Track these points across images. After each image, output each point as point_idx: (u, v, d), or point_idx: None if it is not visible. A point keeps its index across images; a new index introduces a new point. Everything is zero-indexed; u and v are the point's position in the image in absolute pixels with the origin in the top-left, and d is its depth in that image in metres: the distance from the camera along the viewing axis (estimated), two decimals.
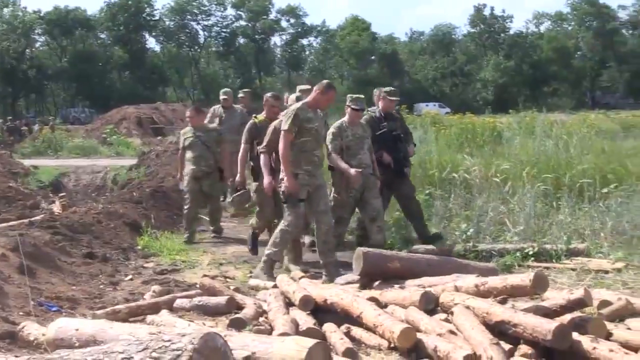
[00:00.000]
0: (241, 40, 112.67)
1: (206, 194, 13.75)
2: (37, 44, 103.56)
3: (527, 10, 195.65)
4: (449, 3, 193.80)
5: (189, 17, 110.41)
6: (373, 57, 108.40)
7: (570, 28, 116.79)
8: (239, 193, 11.43)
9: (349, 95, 11.72)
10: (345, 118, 11.48)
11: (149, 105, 52.13)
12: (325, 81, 11.19)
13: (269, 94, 12.63)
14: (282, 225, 10.48)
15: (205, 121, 15.62)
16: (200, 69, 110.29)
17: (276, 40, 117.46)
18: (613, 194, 13.13)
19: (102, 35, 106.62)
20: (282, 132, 10.34)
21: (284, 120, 10.46)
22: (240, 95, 17.05)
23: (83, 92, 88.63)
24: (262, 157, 11.17)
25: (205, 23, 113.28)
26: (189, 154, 13.59)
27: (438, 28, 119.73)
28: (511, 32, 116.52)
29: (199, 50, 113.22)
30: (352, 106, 11.34)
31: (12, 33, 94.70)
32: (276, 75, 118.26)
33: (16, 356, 5.28)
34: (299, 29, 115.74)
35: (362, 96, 11.83)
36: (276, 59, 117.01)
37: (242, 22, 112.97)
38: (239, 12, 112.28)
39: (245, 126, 13.82)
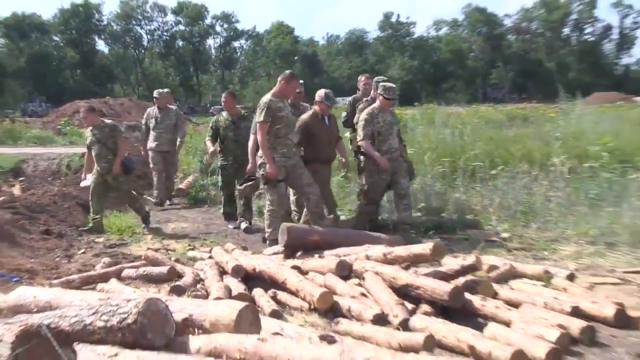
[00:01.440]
0: (180, 43, 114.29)
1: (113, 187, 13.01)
2: None
3: (429, 17, 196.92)
4: (362, 10, 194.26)
5: (133, 22, 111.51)
6: (296, 58, 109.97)
7: (464, 33, 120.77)
8: (250, 182, 11.12)
9: (381, 85, 11.17)
10: (376, 104, 10.93)
11: (99, 99, 51.84)
12: (287, 71, 10.89)
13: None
14: (267, 206, 10.37)
15: (143, 121, 16.12)
16: (144, 68, 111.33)
17: (211, 42, 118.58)
18: (500, 175, 13.58)
19: (56, 38, 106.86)
20: (258, 124, 10.22)
21: (257, 113, 10.33)
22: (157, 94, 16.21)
23: (39, 89, 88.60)
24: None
25: (148, 27, 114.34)
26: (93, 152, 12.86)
27: (352, 32, 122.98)
28: (415, 36, 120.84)
29: (143, 51, 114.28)
30: (385, 95, 10.82)
31: None
32: (211, 74, 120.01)
33: None
34: (232, 33, 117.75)
35: (394, 86, 11.42)
36: (211, 59, 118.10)
37: (181, 27, 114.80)
38: (178, 18, 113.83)
39: (179, 124, 15.06)
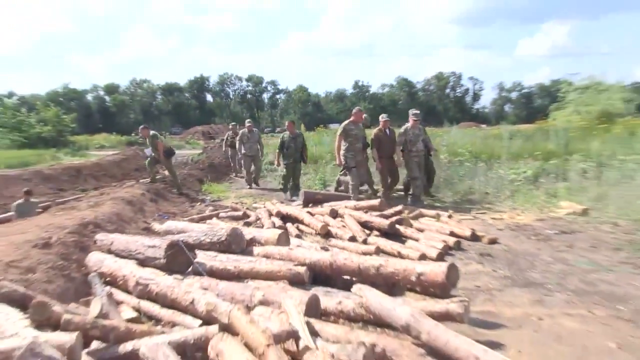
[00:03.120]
0: (249, 96, 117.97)
1: None
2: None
3: (378, 82, 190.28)
4: (343, 78, 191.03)
5: (225, 85, 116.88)
6: (309, 104, 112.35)
7: (396, 90, 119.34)
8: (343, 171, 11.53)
9: (411, 111, 11.57)
10: (409, 124, 11.28)
11: (207, 125, 55.83)
12: (356, 107, 11.90)
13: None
14: (350, 182, 10.76)
15: (237, 138, 16.19)
16: (230, 109, 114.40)
17: (265, 95, 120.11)
18: None
19: (187, 94, 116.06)
20: (337, 136, 11.03)
21: (339, 130, 11.13)
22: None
23: (178, 121, 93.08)
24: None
25: (233, 87, 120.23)
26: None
27: (338, 90, 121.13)
28: (371, 92, 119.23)
29: (230, 100, 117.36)
30: (414, 118, 11.25)
31: None
32: (264, 112, 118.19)
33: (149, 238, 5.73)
34: (276, 90, 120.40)
35: (419, 111, 11.72)
36: (265, 103, 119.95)
37: (250, 87, 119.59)
38: (248, 82, 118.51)
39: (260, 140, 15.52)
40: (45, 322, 3.30)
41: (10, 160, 21.51)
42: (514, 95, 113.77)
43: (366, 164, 11.48)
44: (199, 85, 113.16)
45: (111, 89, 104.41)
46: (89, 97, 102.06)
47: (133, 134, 46.48)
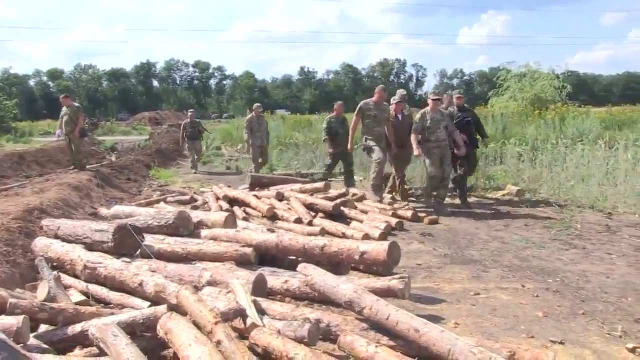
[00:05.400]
0: (195, 81, 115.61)
1: None
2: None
3: (323, 68, 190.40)
4: (290, 65, 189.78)
5: (172, 71, 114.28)
6: (256, 89, 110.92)
7: (341, 77, 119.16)
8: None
9: (430, 92, 9.85)
10: (428, 108, 9.11)
11: (154, 111, 55.68)
12: (379, 85, 10.07)
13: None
14: (373, 162, 9.33)
15: (245, 124, 13.79)
16: (177, 95, 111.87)
17: (211, 81, 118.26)
18: None
19: (133, 80, 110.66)
20: (354, 115, 9.64)
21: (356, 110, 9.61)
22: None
23: (125, 107, 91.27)
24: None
25: (180, 73, 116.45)
26: None
27: (285, 76, 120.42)
28: (317, 78, 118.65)
29: (177, 86, 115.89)
30: (432, 97, 9.21)
31: None
32: (211, 98, 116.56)
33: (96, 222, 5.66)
34: (223, 75, 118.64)
35: (437, 91, 10.34)
36: (211, 89, 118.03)
37: (197, 73, 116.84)
38: (194, 68, 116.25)
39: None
40: None
41: None
42: (455, 82, 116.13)
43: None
44: (146, 71, 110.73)
45: (55, 75, 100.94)
46: (32, 82, 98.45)
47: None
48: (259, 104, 14.12)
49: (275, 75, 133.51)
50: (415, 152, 8.98)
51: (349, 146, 9.93)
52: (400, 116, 9.71)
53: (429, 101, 9.17)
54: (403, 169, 9.95)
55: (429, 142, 8.96)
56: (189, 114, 16.60)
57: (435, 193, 9.08)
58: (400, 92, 10.06)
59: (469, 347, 3.01)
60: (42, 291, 3.67)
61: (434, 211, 8.69)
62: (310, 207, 7.83)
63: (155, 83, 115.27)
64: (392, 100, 9.91)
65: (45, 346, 3.06)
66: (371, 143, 9.44)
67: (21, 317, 2.90)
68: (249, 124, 13.42)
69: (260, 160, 13.41)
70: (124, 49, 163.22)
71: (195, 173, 14.73)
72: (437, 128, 8.95)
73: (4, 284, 4.29)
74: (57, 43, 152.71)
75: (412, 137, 8.99)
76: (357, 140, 10.36)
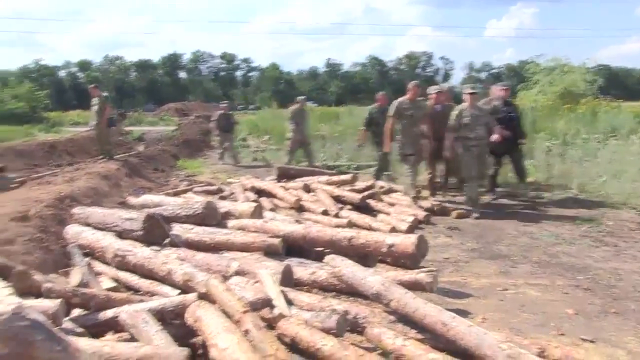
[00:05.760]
0: (222, 73, 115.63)
1: None
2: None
3: (350, 60, 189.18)
4: (316, 57, 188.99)
5: (198, 62, 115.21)
6: (282, 82, 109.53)
7: (368, 69, 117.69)
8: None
9: (466, 86, 8.98)
10: (465, 103, 8.28)
11: (181, 102, 55.56)
12: (412, 82, 9.25)
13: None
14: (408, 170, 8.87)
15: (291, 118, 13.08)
16: (203, 86, 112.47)
17: (238, 73, 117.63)
18: None
19: (160, 71, 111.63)
20: (389, 117, 8.91)
21: (391, 109, 8.93)
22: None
23: (152, 98, 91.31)
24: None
25: (205, 65, 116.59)
26: None
27: (311, 68, 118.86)
28: (342, 71, 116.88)
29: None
30: (468, 92, 8.37)
31: None
32: (237, 89, 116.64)
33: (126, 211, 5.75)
34: (248, 67, 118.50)
35: (475, 84, 9.60)
36: (238, 81, 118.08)
37: (223, 65, 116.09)
38: (222, 60, 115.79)
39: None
40: (27, 290, 3.31)
41: None
42: (483, 75, 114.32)
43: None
44: (173, 62, 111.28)
45: (84, 66, 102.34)
46: (62, 73, 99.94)
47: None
48: (303, 97, 13.68)
49: (301, 68, 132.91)
50: (448, 153, 8.35)
51: (386, 147, 9.21)
52: (440, 107, 9.04)
53: (466, 96, 8.38)
54: (437, 163, 9.35)
55: (467, 140, 8.15)
56: (223, 105, 16.54)
57: (472, 192, 8.28)
58: (439, 86, 9.56)
59: (498, 342, 3.00)
60: (75, 277, 3.75)
61: (470, 209, 8.13)
62: (337, 199, 7.80)
63: (182, 74, 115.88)
64: (430, 91, 9.47)
65: (79, 329, 3.12)
66: (408, 150, 8.78)
67: (58, 300, 2.97)
68: (293, 116, 12.99)
69: (306, 161, 12.75)
70: (152, 41, 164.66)
71: (232, 165, 14.42)
72: (477, 125, 8.16)
73: (39, 269, 4.38)
74: (86, 35, 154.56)
75: (447, 136, 8.28)
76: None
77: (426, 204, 8.20)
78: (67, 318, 3.27)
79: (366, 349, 3.36)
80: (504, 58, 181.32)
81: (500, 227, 7.34)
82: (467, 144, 8.17)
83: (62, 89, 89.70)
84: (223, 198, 8.35)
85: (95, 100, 12.63)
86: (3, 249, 4.72)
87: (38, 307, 2.63)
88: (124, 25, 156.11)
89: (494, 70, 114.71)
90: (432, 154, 9.06)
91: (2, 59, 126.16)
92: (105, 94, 13.24)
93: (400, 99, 8.93)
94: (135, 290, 4.26)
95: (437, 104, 9.11)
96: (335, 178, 8.87)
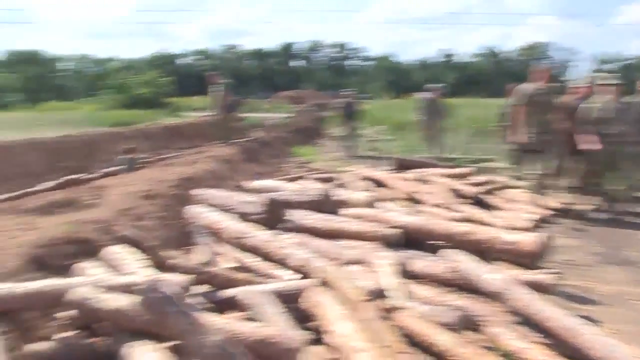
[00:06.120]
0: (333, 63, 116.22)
1: None
2: None
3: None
4: (425, 46, 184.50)
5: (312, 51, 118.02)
6: None
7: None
8: None
9: (603, 76, 7.77)
10: (607, 96, 7.26)
11: (295, 91, 56.99)
12: (540, 64, 8.12)
13: None
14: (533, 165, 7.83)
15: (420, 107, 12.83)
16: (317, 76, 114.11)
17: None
18: None
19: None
20: (517, 106, 7.80)
21: (518, 97, 7.78)
22: None
23: (267, 87, 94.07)
24: None
25: (317, 54, 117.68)
26: None
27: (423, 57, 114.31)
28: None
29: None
30: (606, 82, 7.47)
31: None
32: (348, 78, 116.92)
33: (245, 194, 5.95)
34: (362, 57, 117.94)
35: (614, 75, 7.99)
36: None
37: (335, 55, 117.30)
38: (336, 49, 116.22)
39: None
40: (157, 264, 3.49)
41: (114, 119, 22.80)
42: (611, 66, 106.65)
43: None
44: (287, 51, 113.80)
45: (203, 54, 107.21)
46: (184, 61, 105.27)
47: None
48: (437, 85, 13.15)
49: (415, 57, 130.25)
50: (586, 147, 7.26)
51: (518, 139, 7.83)
52: (580, 101, 7.68)
53: (604, 88, 7.38)
54: (566, 159, 7.99)
55: (610, 136, 7.08)
56: (345, 93, 16.34)
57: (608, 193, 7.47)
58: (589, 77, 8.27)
59: (633, 357, 2.79)
60: (200, 255, 3.91)
61: (601, 210, 7.46)
62: (453, 192, 7.56)
63: (296, 63, 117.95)
64: (577, 83, 8.35)
65: (203, 306, 3.25)
66: (536, 144, 7.60)
67: (185, 276, 3.11)
68: (424, 107, 12.64)
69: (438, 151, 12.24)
70: (267, 30, 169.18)
71: (348, 154, 14.35)
72: (621, 120, 7.15)
73: (163, 246, 4.61)
74: (206, 25, 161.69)
75: (586, 130, 7.23)
76: None
77: (550, 202, 7.74)
78: (191, 294, 3.41)
79: (483, 348, 3.24)
80: (634, 48, 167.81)
81: (630, 232, 6.79)
82: (610, 140, 7.10)
83: (183, 76, 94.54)
84: (337, 186, 8.38)
85: (214, 87, 13.16)
86: (134, 224, 5.03)
87: (170, 281, 2.75)
88: (242, 15, 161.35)
89: (624, 62, 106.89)
90: (563, 149, 7.89)
91: (132, 49, 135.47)
92: (225, 80, 13.70)
93: (528, 84, 7.76)
94: (253, 272, 4.38)
95: (581, 97, 7.75)
96: (452, 171, 8.65)
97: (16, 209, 6.16)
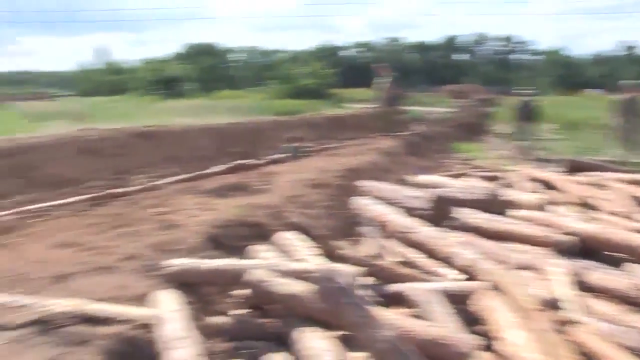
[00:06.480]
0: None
1: None
2: None
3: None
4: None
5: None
6: None
7: None
8: None
9: None
10: None
11: (458, 85, 55.12)
12: None
13: None
14: None
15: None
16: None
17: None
18: None
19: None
20: None
21: None
22: None
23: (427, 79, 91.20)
24: None
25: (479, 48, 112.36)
26: None
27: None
28: None
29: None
30: None
31: None
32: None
33: (410, 189, 5.96)
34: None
35: None
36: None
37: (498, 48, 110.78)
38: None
39: None
40: (326, 253, 3.60)
41: (279, 108, 23.88)
42: None
43: None
44: (450, 44, 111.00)
45: (366, 47, 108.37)
46: (346, 53, 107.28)
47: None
48: (634, 81, 12.29)
49: (588, 51, 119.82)
50: None
51: None
52: None
53: None
54: None
55: None
56: (521, 92, 15.44)
57: None
58: None
59: None
60: (368, 247, 3.96)
61: None
62: (634, 200, 6.74)
63: (459, 56, 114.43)
64: None
65: (371, 298, 3.28)
66: None
67: (358, 268, 3.17)
68: (615, 105, 11.90)
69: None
70: (430, 22, 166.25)
71: (518, 155, 13.65)
72: None
73: (330, 236, 4.74)
74: (369, 17, 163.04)
75: None
76: None
77: None
78: (361, 286, 3.47)
79: None
80: None
81: None
82: None
83: (345, 68, 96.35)
84: (503, 186, 8.01)
85: (380, 79, 13.26)
86: (303, 211, 5.23)
87: (340, 273, 2.81)
88: (405, 8, 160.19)
89: None
90: None
91: (297, 41, 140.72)
92: (387, 74, 13.73)
93: None
94: (416, 267, 4.34)
95: None
96: (633, 176, 7.86)
97: (194, 190, 6.72)
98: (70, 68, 63.12)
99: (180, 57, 52.87)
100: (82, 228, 5.07)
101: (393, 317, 2.88)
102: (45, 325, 2.85)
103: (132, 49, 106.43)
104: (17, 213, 6.15)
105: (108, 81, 49.60)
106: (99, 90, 45.15)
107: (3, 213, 6.18)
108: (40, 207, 6.41)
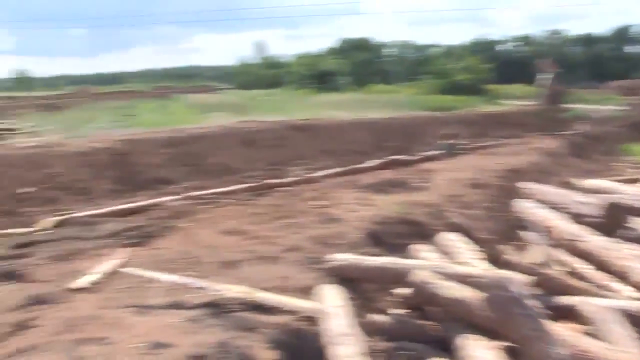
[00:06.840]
0: None
1: None
2: None
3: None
4: None
5: None
6: None
7: None
8: None
9: None
10: None
11: (629, 80, 49.77)
12: None
13: None
14: None
15: None
16: None
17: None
18: None
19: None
20: None
21: None
22: None
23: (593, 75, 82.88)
24: None
25: None
26: None
27: None
28: None
29: None
30: None
31: None
32: None
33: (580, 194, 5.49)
34: None
35: None
36: None
37: None
38: None
39: None
40: (490, 258, 3.45)
41: (433, 104, 23.50)
42: None
43: None
44: (622, 35, 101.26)
45: (524, 40, 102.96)
46: (503, 47, 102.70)
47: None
48: None
49: None
50: None
51: None
52: None
53: None
54: None
55: None
56: None
57: None
58: None
59: None
60: (535, 255, 3.75)
61: None
62: None
63: (632, 49, 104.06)
64: None
65: (541, 310, 3.10)
66: None
67: (528, 276, 3.00)
68: None
69: None
70: (597, 12, 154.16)
71: None
72: None
73: (494, 240, 4.55)
74: (527, 9, 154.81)
75: None
76: None
77: None
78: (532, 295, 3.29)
79: None
80: None
81: None
82: None
83: (502, 63, 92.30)
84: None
85: (542, 75, 12.54)
86: (463, 212, 5.09)
87: (516, 281, 2.67)
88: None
89: None
90: None
91: (451, 35, 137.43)
92: (551, 70, 12.94)
93: None
94: (583, 279, 4.03)
95: None
96: None
97: (352, 184, 6.81)
98: (232, 63, 67.54)
99: (334, 52, 54.03)
100: (246, 217, 5.36)
101: (565, 334, 2.68)
102: (218, 308, 3.05)
103: (288, 44, 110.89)
104: (186, 198, 6.66)
105: (265, 75, 52.20)
106: (257, 83, 47.66)
107: (175, 198, 6.74)
108: (207, 194, 6.89)
